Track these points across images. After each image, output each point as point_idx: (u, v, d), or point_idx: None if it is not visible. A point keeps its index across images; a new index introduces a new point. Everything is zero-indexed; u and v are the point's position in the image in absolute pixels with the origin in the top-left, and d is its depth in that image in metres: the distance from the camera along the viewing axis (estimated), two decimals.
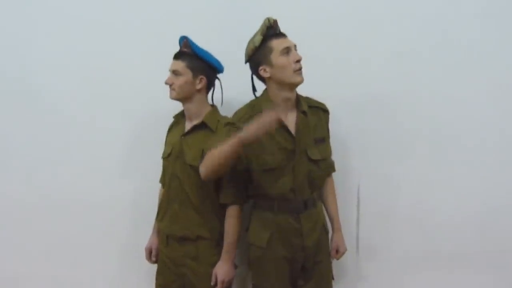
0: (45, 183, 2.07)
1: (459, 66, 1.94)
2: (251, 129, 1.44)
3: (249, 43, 1.63)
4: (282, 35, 1.60)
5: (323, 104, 1.78)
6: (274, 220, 1.65)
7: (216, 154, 1.49)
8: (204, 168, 1.53)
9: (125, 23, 2.01)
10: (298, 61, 1.57)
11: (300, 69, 1.58)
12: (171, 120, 1.87)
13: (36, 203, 2.07)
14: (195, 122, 1.73)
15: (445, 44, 1.94)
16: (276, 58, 1.56)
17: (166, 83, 1.71)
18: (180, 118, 1.82)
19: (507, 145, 1.95)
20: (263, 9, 1.82)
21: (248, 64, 1.67)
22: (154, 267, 1.83)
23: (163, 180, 1.84)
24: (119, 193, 2.05)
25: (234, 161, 1.54)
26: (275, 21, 1.60)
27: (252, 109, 1.65)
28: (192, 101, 1.72)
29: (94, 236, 2.07)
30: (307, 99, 1.75)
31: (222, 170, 1.54)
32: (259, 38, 1.57)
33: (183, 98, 1.72)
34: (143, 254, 1.91)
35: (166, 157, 1.78)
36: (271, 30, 1.58)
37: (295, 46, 1.60)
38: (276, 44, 1.56)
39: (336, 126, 1.89)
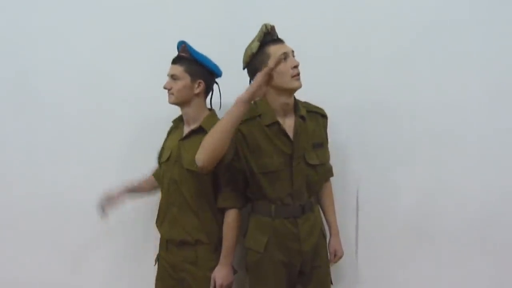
0: (45, 185, 2.08)
1: (458, 70, 1.93)
2: (250, 87, 1.45)
3: (246, 49, 1.63)
4: (279, 41, 1.60)
5: (321, 109, 1.78)
6: (272, 225, 1.65)
7: (213, 133, 1.46)
8: (202, 151, 1.46)
9: (124, 28, 2.01)
10: (296, 66, 1.57)
11: (297, 74, 1.57)
12: (170, 124, 1.87)
13: (35, 204, 2.08)
14: (193, 126, 1.73)
15: (444, 48, 1.93)
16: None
17: (164, 87, 1.72)
18: (178, 122, 1.83)
19: (507, 149, 1.94)
20: (261, 14, 1.83)
21: (246, 70, 1.66)
22: (154, 270, 1.83)
23: (156, 176, 1.87)
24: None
25: (232, 141, 1.51)
26: (272, 27, 1.59)
27: (250, 111, 1.65)
28: (191, 105, 1.72)
29: (92, 238, 2.07)
30: (306, 104, 1.75)
31: (221, 151, 1.47)
32: (256, 45, 1.57)
33: (182, 103, 1.72)
34: (142, 257, 1.92)
35: (164, 161, 1.78)
36: (268, 36, 1.58)
37: (292, 51, 1.60)
38: (274, 50, 1.56)
39: (336, 131, 1.89)
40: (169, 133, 1.87)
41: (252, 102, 1.69)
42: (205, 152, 1.46)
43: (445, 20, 1.93)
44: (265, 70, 1.43)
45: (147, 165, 1.96)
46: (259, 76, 1.44)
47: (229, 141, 1.48)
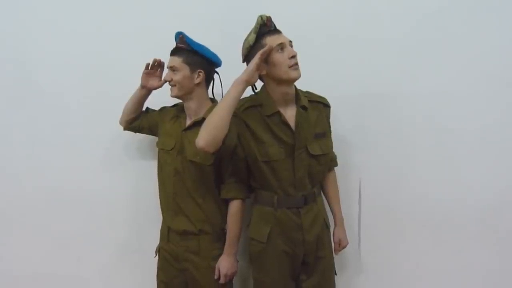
0: (46, 177, 2.09)
1: (460, 61, 1.89)
2: (247, 68, 1.51)
3: (244, 42, 1.61)
4: (276, 31, 1.57)
5: (324, 99, 1.76)
6: (274, 215, 1.66)
7: (213, 114, 1.49)
8: (202, 132, 1.49)
9: (123, 20, 2.00)
10: (293, 56, 1.54)
11: (295, 64, 1.55)
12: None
13: (36, 196, 2.10)
14: (196, 118, 1.73)
15: (446, 40, 1.89)
16: (271, 55, 1.53)
17: (165, 80, 1.72)
18: (180, 112, 1.82)
19: (508, 140, 1.90)
20: (262, 4, 1.80)
21: (245, 63, 1.64)
22: (156, 261, 1.85)
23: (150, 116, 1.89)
24: (119, 190, 2.07)
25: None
26: (268, 18, 1.56)
27: (251, 100, 1.66)
28: (192, 97, 1.72)
29: (94, 232, 2.10)
30: (308, 94, 1.73)
31: (221, 131, 1.49)
32: (253, 37, 1.55)
33: (184, 95, 1.72)
34: (144, 250, 1.95)
35: (169, 150, 1.77)
36: (264, 28, 1.55)
37: (290, 42, 1.57)
38: (270, 41, 1.54)
39: (338, 121, 1.87)
40: (169, 119, 1.83)
41: (253, 92, 1.69)
42: (205, 132, 1.49)
43: (446, 8, 1.88)
44: (260, 52, 1.49)
45: (149, 156, 1.99)
46: (256, 58, 1.49)
47: (228, 122, 1.50)
